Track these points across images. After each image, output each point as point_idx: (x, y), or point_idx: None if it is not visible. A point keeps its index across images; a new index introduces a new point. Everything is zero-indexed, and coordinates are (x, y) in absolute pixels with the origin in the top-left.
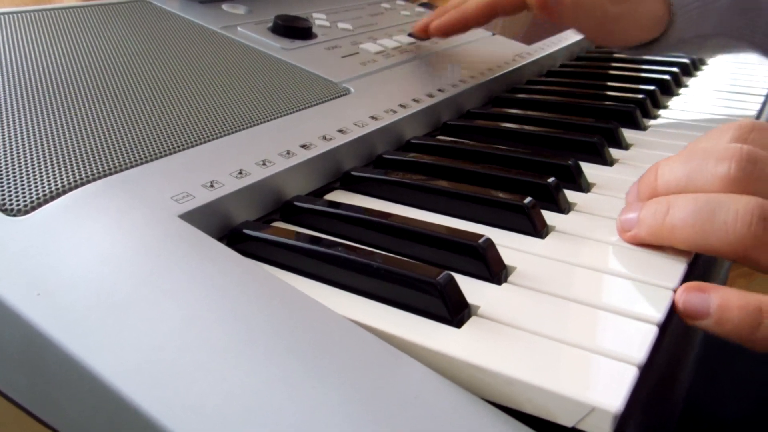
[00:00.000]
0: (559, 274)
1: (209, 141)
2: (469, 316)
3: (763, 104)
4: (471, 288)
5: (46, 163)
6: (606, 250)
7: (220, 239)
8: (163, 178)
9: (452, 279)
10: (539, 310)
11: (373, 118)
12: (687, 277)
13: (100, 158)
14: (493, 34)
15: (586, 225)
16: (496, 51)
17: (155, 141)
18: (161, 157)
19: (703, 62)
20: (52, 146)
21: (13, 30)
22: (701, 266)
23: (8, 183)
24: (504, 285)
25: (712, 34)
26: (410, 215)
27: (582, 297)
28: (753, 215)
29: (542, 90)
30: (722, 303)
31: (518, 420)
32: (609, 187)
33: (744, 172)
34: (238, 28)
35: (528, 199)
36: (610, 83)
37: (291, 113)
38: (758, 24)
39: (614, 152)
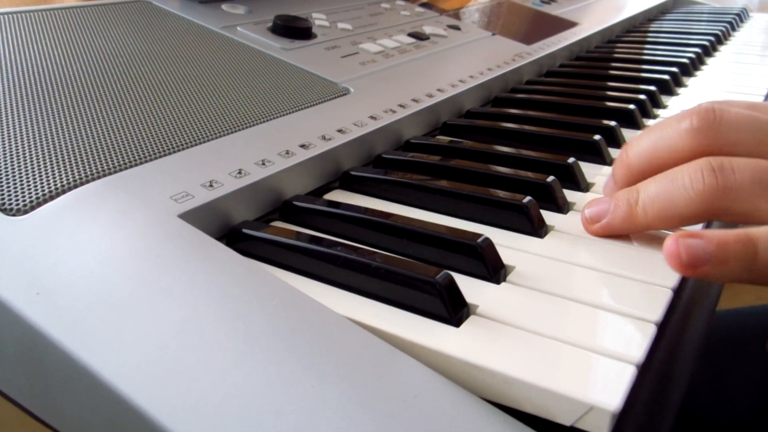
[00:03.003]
0: (558, 273)
1: (209, 141)
2: (468, 316)
3: None
4: (470, 287)
5: (45, 163)
6: (605, 249)
7: (220, 239)
8: (162, 177)
9: (451, 278)
10: (538, 309)
11: (372, 117)
12: (686, 278)
13: (100, 158)
14: (493, 34)
15: None
16: (496, 51)
17: (155, 141)
18: (161, 156)
19: (702, 62)
20: (51, 146)
21: (13, 30)
22: None
23: (8, 183)
24: (503, 284)
25: None
26: (409, 215)
27: (581, 296)
28: (702, 170)
29: (542, 90)
30: (720, 240)
31: (517, 419)
32: None
33: (705, 121)
34: (238, 28)
35: (527, 199)
36: (610, 83)
37: (290, 113)
38: None
39: (614, 152)
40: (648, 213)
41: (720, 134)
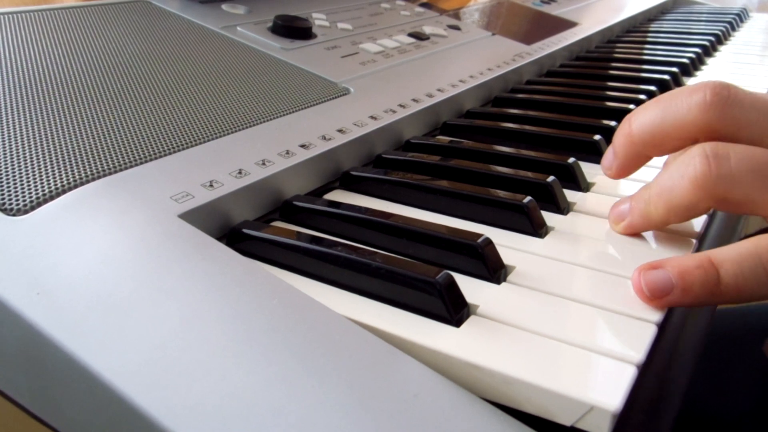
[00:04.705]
0: (559, 273)
1: (209, 141)
2: (468, 316)
3: None
4: (470, 287)
5: (45, 163)
6: (605, 249)
7: (220, 239)
8: (162, 177)
9: (451, 278)
10: (538, 309)
11: (372, 117)
12: None
13: (100, 158)
14: (493, 34)
15: (586, 224)
16: (496, 51)
17: (155, 141)
18: (161, 156)
19: (702, 62)
20: (51, 146)
21: (13, 30)
22: None
23: (8, 183)
24: (503, 284)
25: None
26: (410, 215)
27: (581, 296)
28: (696, 156)
29: (542, 90)
30: (681, 269)
31: (517, 419)
32: (609, 187)
33: (719, 96)
34: (238, 28)
35: (527, 199)
36: (610, 83)
37: (290, 113)
38: None
39: None
40: (659, 208)
41: (732, 111)
